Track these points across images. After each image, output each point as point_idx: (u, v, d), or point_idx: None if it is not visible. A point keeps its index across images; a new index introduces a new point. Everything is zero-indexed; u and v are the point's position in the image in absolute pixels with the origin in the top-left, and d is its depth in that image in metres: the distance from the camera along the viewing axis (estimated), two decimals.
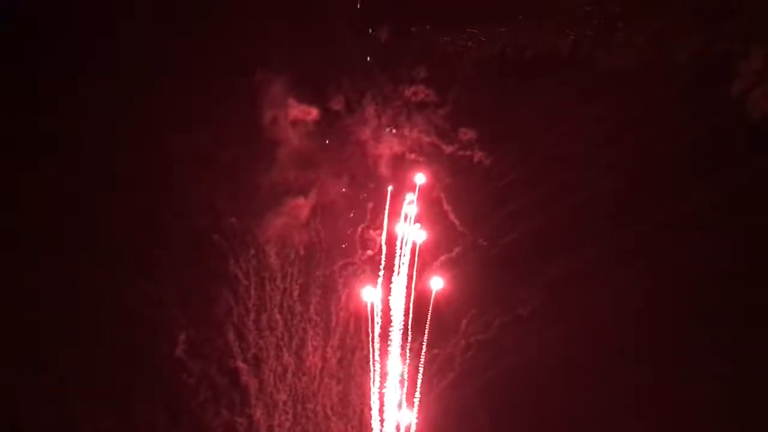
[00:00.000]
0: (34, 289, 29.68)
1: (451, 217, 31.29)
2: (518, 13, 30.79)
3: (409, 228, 31.09)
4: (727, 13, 29.02)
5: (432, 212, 31.42)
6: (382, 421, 30.79)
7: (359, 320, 31.43)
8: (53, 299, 29.87)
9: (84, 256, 29.98)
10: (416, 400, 30.63)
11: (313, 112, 30.31)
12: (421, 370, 30.70)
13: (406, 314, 30.80)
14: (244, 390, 31.10)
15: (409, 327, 30.70)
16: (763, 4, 29.20)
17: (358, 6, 31.01)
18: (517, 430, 30.74)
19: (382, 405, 30.86)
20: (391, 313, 30.92)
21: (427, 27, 31.14)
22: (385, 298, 30.96)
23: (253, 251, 31.00)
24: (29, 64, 29.60)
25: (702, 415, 28.75)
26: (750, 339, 28.87)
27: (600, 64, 30.33)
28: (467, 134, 30.86)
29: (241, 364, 31.03)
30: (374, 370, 30.82)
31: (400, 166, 31.45)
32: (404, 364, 30.69)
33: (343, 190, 31.62)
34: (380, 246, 31.32)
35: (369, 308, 30.75)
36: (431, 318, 30.68)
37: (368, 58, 31.17)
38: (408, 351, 30.73)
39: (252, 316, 31.12)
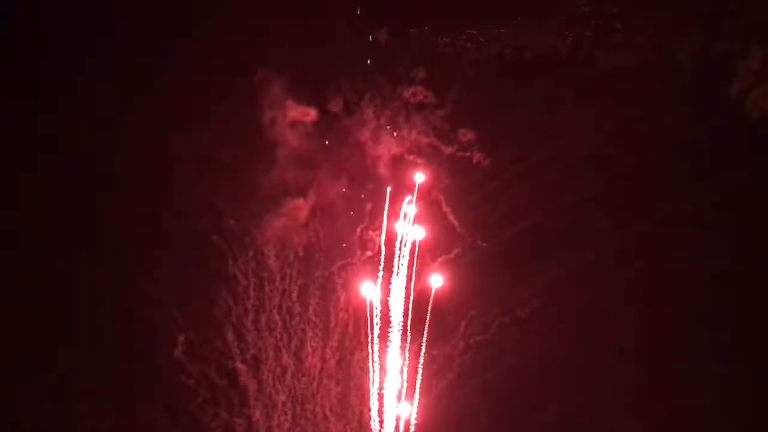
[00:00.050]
0: (34, 289, 29.74)
1: (450, 218, 31.23)
2: (517, 14, 30.79)
3: (408, 227, 31.12)
4: (727, 13, 28.95)
5: (431, 213, 31.38)
6: (381, 422, 30.74)
7: (358, 321, 31.42)
8: (53, 299, 29.94)
9: (84, 256, 30.04)
10: (415, 401, 30.59)
11: (312, 113, 30.34)
12: (420, 370, 30.70)
13: (405, 315, 30.79)
14: (243, 391, 31.06)
15: (408, 327, 30.70)
16: (763, 4, 29.12)
17: (358, 12, 31.14)
18: (516, 431, 30.67)
19: (381, 406, 30.82)
20: (390, 314, 30.93)
21: (426, 28, 31.18)
22: (384, 299, 30.96)
23: (252, 252, 31.02)
24: (29, 64, 29.75)
25: (702, 415, 28.56)
26: (750, 339, 28.71)
27: (599, 65, 30.28)
28: (466, 135, 30.82)
29: (240, 365, 31.00)
30: (373, 371, 30.82)
31: (399, 167, 31.43)
32: (403, 364, 30.67)
33: (343, 191, 31.61)
34: (379, 247, 31.35)
35: (368, 305, 30.76)
36: (430, 319, 30.68)
37: (368, 62, 31.29)
38: (407, 352, 30.72)
39: (251, 316, 31.11)
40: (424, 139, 31.19)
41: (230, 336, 30.89)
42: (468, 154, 30.93)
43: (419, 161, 31.38)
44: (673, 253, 29.80)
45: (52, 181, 29.61)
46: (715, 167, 29.39)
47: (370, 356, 30.86)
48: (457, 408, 30.97)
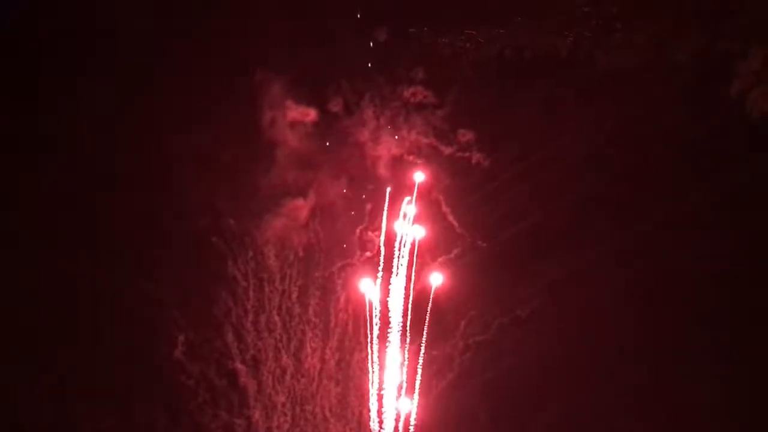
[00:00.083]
0: (34, 289, 29.76)
1: (450, 218, 31.20)
2: (517, 14, 30.73)
3: (407, 226, 31.11)
4: (727, 13, 28.92)
5: (431, 213, 31.37)
6: (381, 422, 30.70)
7: (358, 322, 31.40)
8: (53, 299, 29.94)
9: (84, 256, 30.04)
10: (415, 401, 30.57)
11: (312, 114, 30.35)
12: (419, 371, 30.67)
13: (405, 315, 30.76)
14: (242, 391, 31.01)
15: (408, 328, 30.68)
16: (763, 4, 29.06)
17: (358, 16, 31.18)
18: (516, 431, 30.61)
19: (380, 407, 30.79)
20: (390, 314, 30.90)
21: (426, 28, 31.15)
22: (383, 299, 30.94)
23: (251, 252, 30.99)
24: (29, 64, 29.84)
25: (702, 415, 28.47)
26: (750, 339, 28.64)
27: (599, 65, 30.19)
28: (466, 135, 30.80)
29: (239, 366, 30.97)
30: (373, 372, 30.80)
31: (399, 167, 31.43)
32: (403, 364, 30.65)
33: (342, 191, 31.62)
34: (379, 247, 31.33)
35: (367, 304, 30.75)
36: (430, 319, 30.66)
37: (369, 65, 31.33)
38: (407, 352, 30.69)
39: (251, 317, 31.08)
40: (424, 140, 31.18)
41: (230, 336, 30.87)
42: (468, 154, 30.91)
43: (419, 161, 31.40)
44: (673, 253, 29.75)
45: (52, 181, 29.64)
46: (715, 167, 29.35)
47: (369, 357, 30.86)
48: (457, 408, 30.90)
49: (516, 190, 30.85)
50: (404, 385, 30.64)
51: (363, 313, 30.98)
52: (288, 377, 31.39)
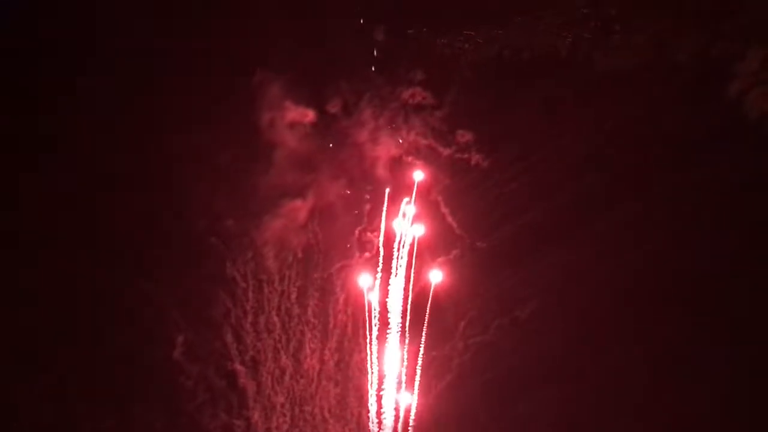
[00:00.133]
0: (34, 289, 29.88)
1: (449, 219, 31.24)
2: (515, 15, 30.79)
3: (407, 226, 31.09)
4: (727, 13, 28.91)
5: (430, 214, 31.39)
6: (380, 423, 30.63)
7: (357, 322, 31.40)
8: (53, 299, 30.06)
9: (84, 256, 30.18)
10: (414, 401, 30.48)
11: (311, 114, 30.42)
12: (419, 371, 30.60)
13: (404, 315, 30.71)
14: (241, 392, 31.10)
15: (407, 328, 30.62)
16: (763, 4, 29.06)
17: (360, 20, 31.30)
18: (516, 431, 30.51)
19: (379, 407, 30.72)
20: (389, 315, 30.87)
21: (424, 29, 31.28)
22: (382, 300, 30.91)
23: (251, 253, 31.06)
24: (29, 64, 29.96)
25: (702, 415, 28.39)
26: (750, 339, 28.54)
27: (598, 66, 30.22)
28: (465, 136, 30.84)
29: (239, 366, 31.03)
30: (372, 372, 30.73)
31: (398, 168, 31.49)
32: (402, 365, 30.60)
33: (343, 192, 31.65)
34: (378, 248, 31.32)
35: (366, 305, 30.74)
36: (429, 319, 30.61)
37: (372, 68, 31.42)
38: (406, 353, 30.63)
39: (250, 318, 31.16)
40: (423, 140, 31.25)
41: (229, 337, 30.93)
42: (467, 155, 30.94)
43: (418, 162, 31.44)
44: (673, 253, 29.66)
45: (52, 181, 29.77)
46: (714, 167, 29.26)
47: (368, 357, 30.82)
48: (457, 408, 30.87)
49: (515, 191, 30.86)
50: (404, 384, 30.60)
51: (362, 313, 31.02)
52: (287, 378, 31.40)
